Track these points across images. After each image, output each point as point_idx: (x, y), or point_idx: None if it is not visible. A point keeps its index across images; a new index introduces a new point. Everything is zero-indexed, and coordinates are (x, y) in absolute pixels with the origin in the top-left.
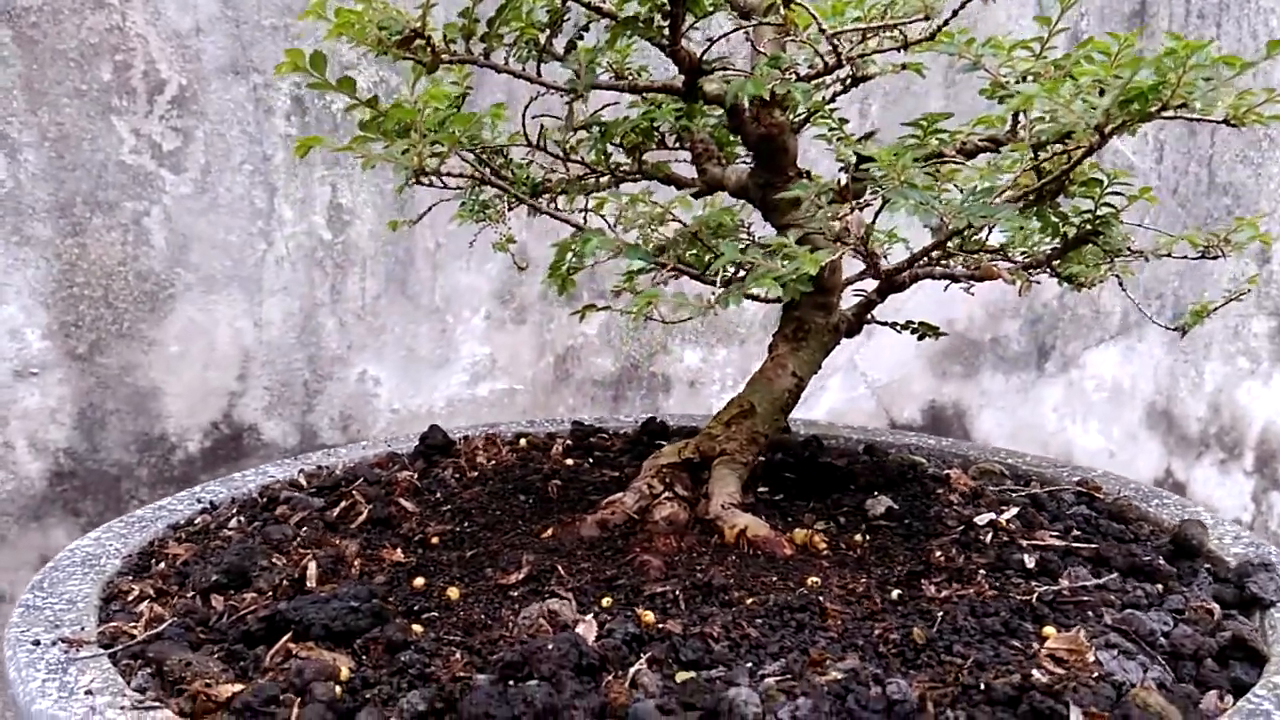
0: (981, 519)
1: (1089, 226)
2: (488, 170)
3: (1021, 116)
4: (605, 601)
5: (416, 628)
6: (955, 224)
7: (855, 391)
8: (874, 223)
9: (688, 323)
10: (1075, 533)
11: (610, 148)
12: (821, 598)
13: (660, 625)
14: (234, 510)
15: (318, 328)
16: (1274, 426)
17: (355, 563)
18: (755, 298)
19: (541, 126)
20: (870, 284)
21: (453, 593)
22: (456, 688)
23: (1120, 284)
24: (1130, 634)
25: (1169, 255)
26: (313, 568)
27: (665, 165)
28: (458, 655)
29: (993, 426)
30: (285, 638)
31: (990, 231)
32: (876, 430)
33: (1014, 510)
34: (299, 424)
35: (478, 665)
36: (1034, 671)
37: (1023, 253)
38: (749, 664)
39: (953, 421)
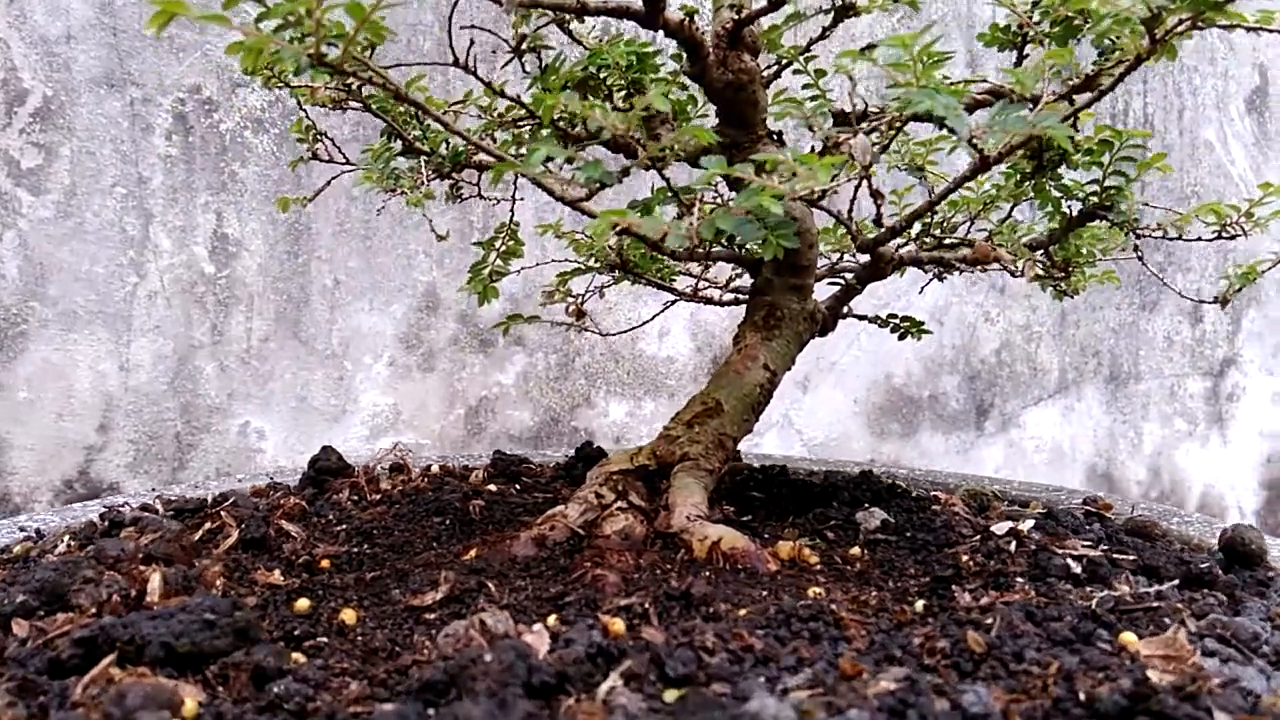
0: (999, 528)
1: (1095, 200)
2: (399, 142)
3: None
4: (552, 619)
5: (297, 656)
6: (987, 144)
7: (791, 449)
8: (875, 159)
9: (612, 374)
10: (1104, 545)
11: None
12: (834, 607)
13: (635, 637)
14: (65, 537)
15: (194, 373)
16: (1212, 491)
17: (217, 582)
18: (731, 256)
19: (471, 43)
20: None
21: (348, 616)
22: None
23: (1139, 257)
24: (1230, 639)
25: (1179, 238)
26: (156, 580)
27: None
28: (353, 686)
29: None
30: (107, 661)
31: (971, 226)
32: (838, 462)
33: (1030, 522)
34: (168, 482)
35: (381, 697)
36: (1150, 675)
37: (1009, 249)
38: (761, 677)
39: None
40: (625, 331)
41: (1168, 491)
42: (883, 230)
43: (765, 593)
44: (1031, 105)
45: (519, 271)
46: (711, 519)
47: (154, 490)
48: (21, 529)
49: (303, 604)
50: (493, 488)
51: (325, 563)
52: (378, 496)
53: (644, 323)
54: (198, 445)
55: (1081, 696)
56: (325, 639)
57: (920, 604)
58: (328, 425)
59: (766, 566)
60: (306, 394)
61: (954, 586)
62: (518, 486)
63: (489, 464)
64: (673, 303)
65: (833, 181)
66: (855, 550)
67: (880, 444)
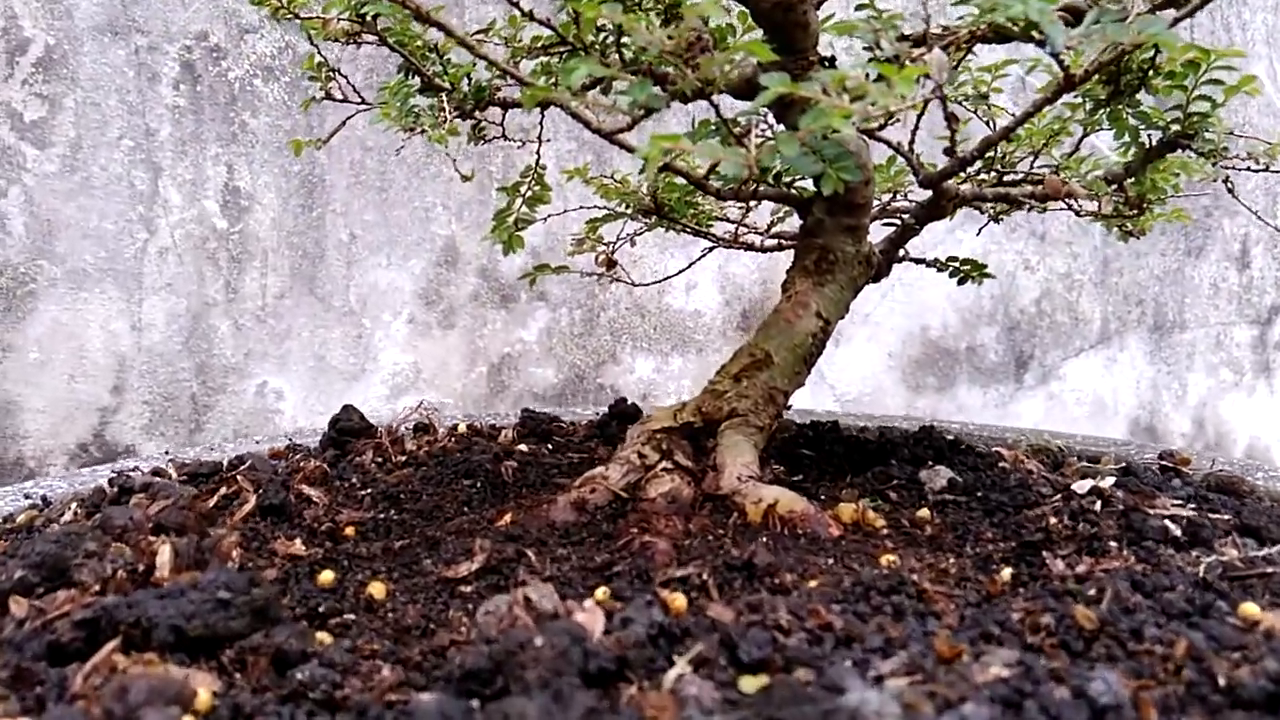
0: (1080, 487)
1: (1178, 128)
2: (417, 79)
3: None
4: (601, 593)
5: (322, 636)
6: (1077, 58)
7: (823, 405)
8: (953, 78)
9: (638, 329)
10: (1193, 504)
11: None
12: (914, 577)
13: (699, 614)
14: (72, 505)
15: (209, 332)
16: (1258, 443)
17: (234, 554)
18: (778, 195)
19: None
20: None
21: (376, 589)
22: (388, 716)
23: (1230, 190)
24: None
25: (1266, 169)
26: (166, 553)
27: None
28: (385, 671)
29: None
30: (110, 648)
31: (1035, 159)
32: (884, 417)
33: (1110, 479)
34: (185, 443)
35: (418, 683)
36: None
37: (1078, 179)
38: (847, 661)
39: None
40: (656, 282)
41: (1212, 444)
42: (951, 161)
43: (832, 561)
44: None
45: (545, 220)
46: (763, 480)
47: (167, 453)
48: (27, 496)
49: (327, 577)
50: (524, 448)
51: (350, 530)
52: (403, 458)
53: (678, 272)
54: (214, 406)
55: (1221, 681)
56: (353, 616)
57: (1007, 572)
58: (347, 384)
59: (828, 531)
60: (324, 353)
61: (1044, 552)
62: (550, 446)
63: (518, 423)
64: (711, 249)
65: (905, 103)
66: (923, 512)
67: (915, 398)
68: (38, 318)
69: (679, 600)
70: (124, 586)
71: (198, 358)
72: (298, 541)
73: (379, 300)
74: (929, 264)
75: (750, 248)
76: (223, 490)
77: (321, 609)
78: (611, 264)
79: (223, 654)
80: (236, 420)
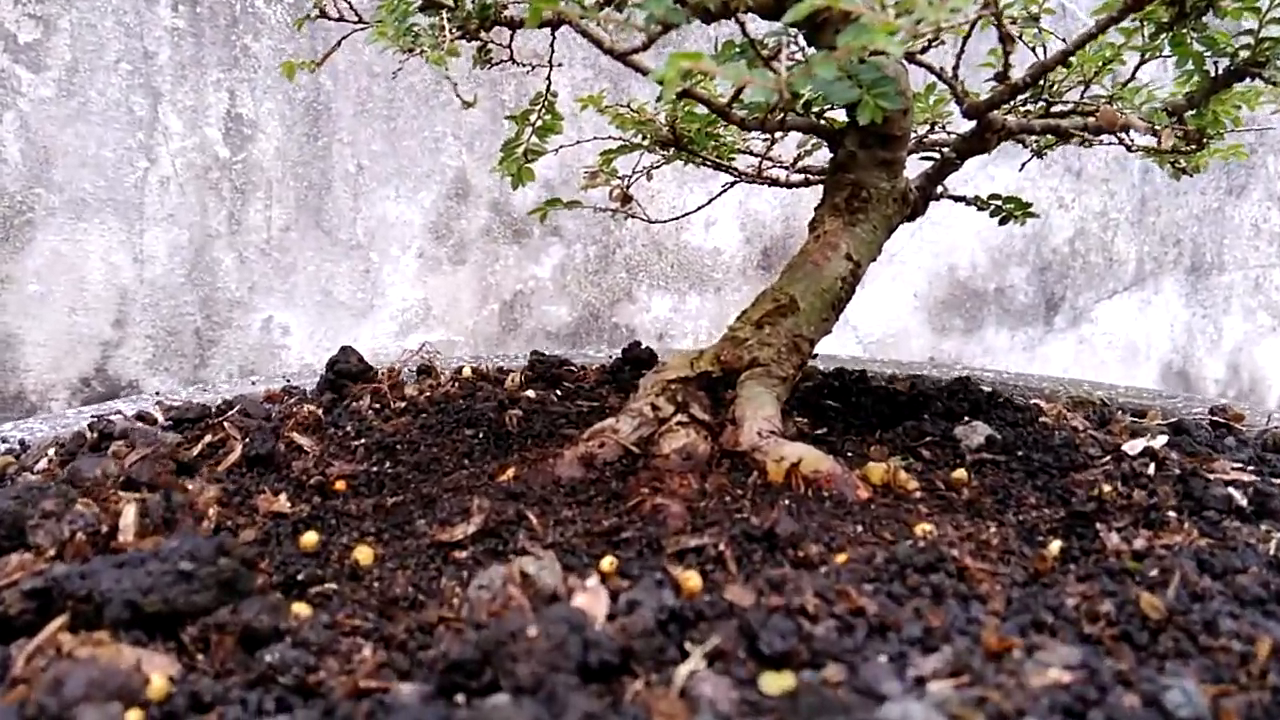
0: (1132, 447)
1: (1248, 55)
2: None
3: None
4: (607, 563)
5: (299, 608)
6: None
7: (844, 347)
8: None
9: (655, 266)
10: (1253, 468)
11: None
12: (953, 552)
13: (714, 596)
14: (49, 451)
15: (212, 264)
16: None
17: (210, 512)
18: (808, 126)
19: None
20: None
21: (362, 554)
22: (360, 710)
23: None
24: None
25: None
26: (130, 515)
27: None
28: (366, 651)
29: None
30: (55, 625)
31: (1086, 89)
32: (914, 364)
33: (1162, 438)
34: (190, 379)
35: (400, 666)
36: None
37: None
38: (882, 656)
39: None
40: (674, 219)
41: (1246, 390)
42: (1002, 89)
43: (861, 529)
44: None
45: (556, 151)
46: (785, 435)
47: (157, 394)
48: (3, 440)
49: (310, 539)
50: (531, 394)
51: (340, 484)
52: (402, 404)
53: (697, 209)
54: (219, 341)
55: None
56: (335, 585)
57: (1056, 546)
58: (355, 320)
59: (856, 494)
60: (331, 287)
61: (1096, 524)
62: (558, 393)
63: (526, 366)
64: (733, 184)
65: (958, 19)
66: (959, 473)
67: (941, 340)
68: (36, 248)
69: (692, 579)
70: (82, 551)
71: (201, 291)
72: (283, 497)
73: (387, 234)
74: (968, 202)
75: (775, 183)
76: (208, 438)
77: (301, 576)
78: (626, 199)
79: (184, 632)
80: (242, 356)
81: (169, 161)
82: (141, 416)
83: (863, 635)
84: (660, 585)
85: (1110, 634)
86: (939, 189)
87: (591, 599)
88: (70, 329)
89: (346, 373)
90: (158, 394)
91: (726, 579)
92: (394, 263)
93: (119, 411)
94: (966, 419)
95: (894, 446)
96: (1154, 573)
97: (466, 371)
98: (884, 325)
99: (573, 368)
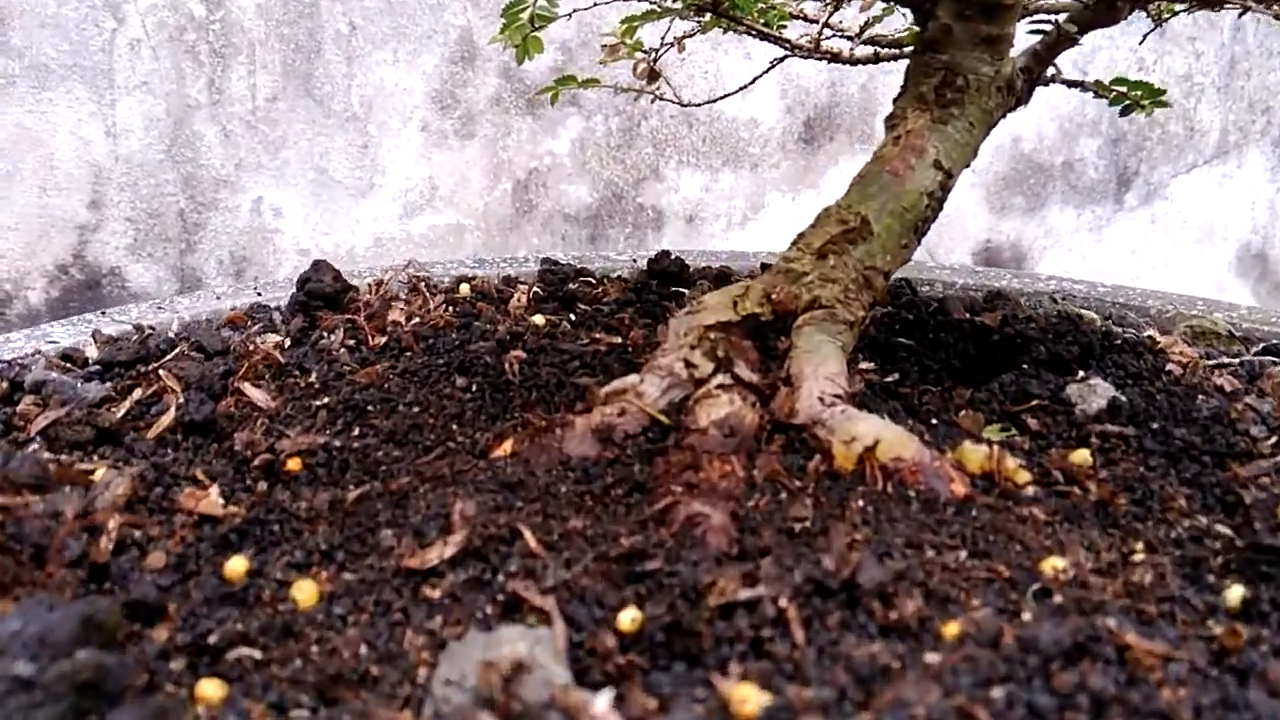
0: None
1: None
2: None
3: None
4: (627, 620)
5: (207, 690)
6: None
7: None
8: None
9: (684, 140)
10: None
11: None
12: (1108, 622)
13: (782, 711)
14: None
15: (193, 138)
16: None
17: (111, 524)
18: None
19: None
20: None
21: (304, 592)
22: None
23: None
24: None
25: None
26: None
27: None
28: None
29: (1056, 273)
30: None
31: None
32: (978, 270)
33: None
34: (176, 267)
35: None
36: None
37: None
38: None
39: (1009, 267)
40: (709, 102)
41: None
42: None
43: (964, 553)
44: None
45: (569, 16)
46: (854, 398)
47: (102, 314)
48: None
49: (237, 567)
50: (539, 320)
51: (294, 464)
52: (382, 340)
53: (737, 90)
54: (205, 225)
55: None
56: (259, 646)
57: (1237, 594)
58: (353, 202)
59: (950, 489)
60: (326, 164)
61: None
62: (573, 317)
63: (536, 278)
64: (782, 59)
65: None
66: (1080, 455)
67: (999, 220)
68: None
69: (747, 700)
70: None
71: (183, 169)
72: (215, 490)
73: (386, 104)
74: (1083, 86)
75: (836, 59)
76: (139, 392)
77: (213, 636)
78: (654, 77)
79: None
80: (232, 241)
81: (138, 21)
82: (68, 356)
83: None
84: (697, 702)
85: None
86: (1049, 71)
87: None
88: (42, 211)
89: (320, 293)
90: (103, 313)
91: (799, 674)
92: (394, 137)
93: (38, 353)
94: (1078, 370)
95: (989, 411)
96: None
97: (464, 289)
98: None
99: (590, 279)
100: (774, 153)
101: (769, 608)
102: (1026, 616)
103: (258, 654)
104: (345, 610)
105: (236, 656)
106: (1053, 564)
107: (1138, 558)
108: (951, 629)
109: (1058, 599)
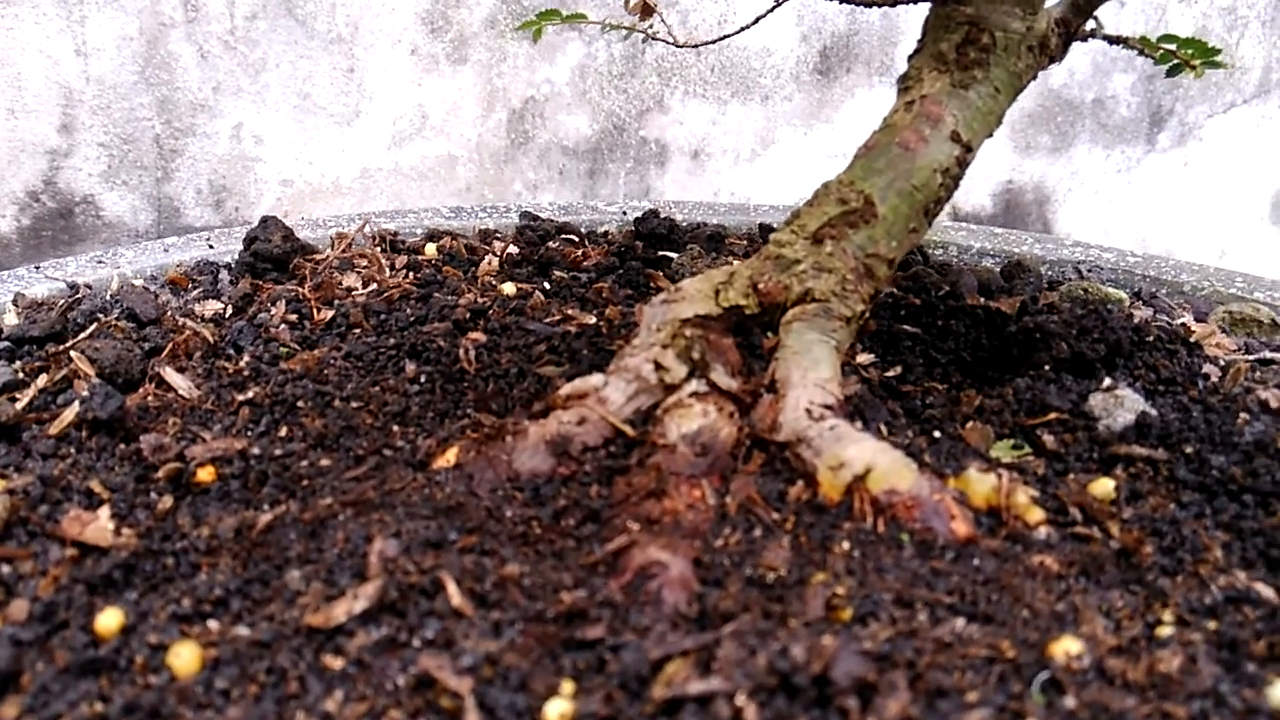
0: None
1: None
2: None
3: None
4: (554, 716)
5: None
6: None
7: None
8: None
9: (691, 69)
10: None
11: None
12: None
13: None
14: None
15: (168, 60)
16: None
17: None
18: None
19: None
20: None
21: (182, 658)
22: None
23: None
24: None
25: None
26: None
27: None
28: None
29: (1081, 218)
30: None
31: None
32: (997, 233)
33: None
34: (152, 196)
35: None
36: None
37: None
38: None
39: (1031, 210)
40: (713, 42)
41: None
42: None
43: (963, 620)
44: None
45: None
46: (848, 403)
47: (24, 277)
48: None
49: (110, 622)
50: (509, 289)
51: (205, 474)
52: (328, 314)
53: (741, 30)
54: (183, 151)
55: None
56: None
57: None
58: (339, 130)
59: (951, 528)
60: (309, 90)
61: None
62: (547, 286)
63: (514, 234)
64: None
65: None
66: (1102, 486)
67: (1024, 161)
68: None
69: None
70: None
71: (158, 91)
72: (105, 511)
73: (373, 25)
74: (1126, 44)
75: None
76: (44, 378)
77: None
78: (648, 11)
79: None
80: (211, 170)
81: None
82: None
83: None
84: None
85: None
86: (1088, 26)
87: None
88: (10, 134)
89: (267, 255)
90: (37, 267)
91: None
92: (382, 60)
93: None
94: (1103, 372)
95: (1000, 423)
96: None
97: (430, 250)
98: None
99: (572, 238)
100: (787, 84)
101: (723, 708)
102: None
103: None
104: (229, 682)
105: None
106: (1065, 648)
107: (1165, 631)
108: None
109: (1069, 701)
